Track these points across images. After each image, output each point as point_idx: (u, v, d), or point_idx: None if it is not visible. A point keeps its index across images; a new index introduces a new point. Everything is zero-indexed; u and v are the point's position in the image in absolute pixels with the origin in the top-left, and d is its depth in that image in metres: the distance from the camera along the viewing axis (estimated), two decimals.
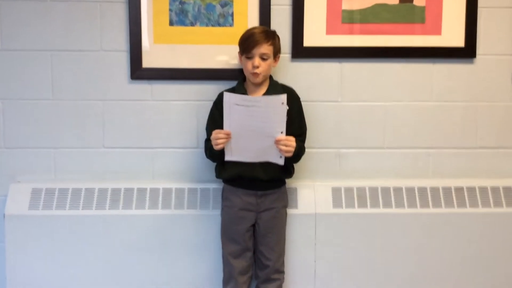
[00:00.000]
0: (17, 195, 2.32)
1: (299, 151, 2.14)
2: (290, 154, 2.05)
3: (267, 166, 2.12)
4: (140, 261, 2.33)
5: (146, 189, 2.35)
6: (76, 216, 2.30)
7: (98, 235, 2.31)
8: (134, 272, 2.33)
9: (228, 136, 2.03)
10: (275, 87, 2.20)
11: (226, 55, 2.35)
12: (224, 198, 2.24)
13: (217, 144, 2.04)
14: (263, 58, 2.10)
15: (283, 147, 2.02)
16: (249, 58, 2.11)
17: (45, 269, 2.31)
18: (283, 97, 1.99)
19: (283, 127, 2.01)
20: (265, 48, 2.10)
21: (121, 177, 2.39)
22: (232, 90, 2.20)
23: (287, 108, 2.02)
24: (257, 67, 2.09)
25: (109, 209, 2.31)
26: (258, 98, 2.04)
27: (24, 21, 2.33)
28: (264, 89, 2.19)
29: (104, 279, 2.33)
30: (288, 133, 2.04)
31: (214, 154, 2.13)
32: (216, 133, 2.05)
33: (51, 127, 2.38)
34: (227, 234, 2.21)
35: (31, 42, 2.34)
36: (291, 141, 2.04)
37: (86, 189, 2.34)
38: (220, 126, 2.11)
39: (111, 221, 2.30)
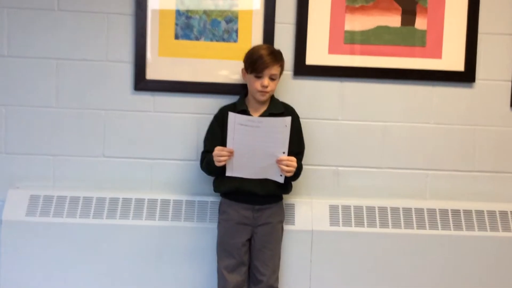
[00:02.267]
0: (15, 201, 2.33)
1: (298, 170, 2.16)
2: (291, 174, 2.09)
3: (264, 181, 2.14)
4: (135, 271, 2.32)
5: (144, 199, 2.36)
6: (73, 224, 2.30)
7: (95, 244, 2.30)
8: (129, 282, 2.32)
9: (231, 154, 2.06)
10: (276, 105, 2.24)
11: (229, 70, 2.38)
12: (221, 211, 2.24)
13: (219, 161, 2.06)
14: (272, 78, 2.15)
15: (285, 167, 2.06)
16: (259, 77, 2.15)
17: (40, 275, 2.30)
18: (288, 119, 2.03)
19: (285, 147, 2.05)
20: (275, 70, 2.16)
21: (119, 187, 2.40)
22: (233, 106, 2.24)
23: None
24: (267, 86, 2.14)
25: (106, 218, 2.31)
26: (262, 119, 2.08)
27: (31, 29, 2.37)
28: (265, 106, 2.23)
29: None
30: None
31: (212, 168, 2.14)
32: (219, 150, 2.07)
33: (52, 135, 2.40)
34: (223, 247, 2.21)
35: (37, 49, 2.37)
36: (293, 161, 2.08)
37: (84, 197, 2.34)
38: (219, 140, 2.14)
39: (108, 231, 2.30)
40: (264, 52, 2.15)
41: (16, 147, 2.39)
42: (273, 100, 2.25)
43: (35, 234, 2.29)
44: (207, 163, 2.18)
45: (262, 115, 2.19)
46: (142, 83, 2.37)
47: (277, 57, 2.17)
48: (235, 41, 2.38)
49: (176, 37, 2.38)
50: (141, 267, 2.32)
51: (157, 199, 2.36)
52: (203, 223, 2.33)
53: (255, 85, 2.15)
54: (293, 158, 2.09)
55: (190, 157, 2.41)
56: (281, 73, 2.22)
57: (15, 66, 2.37)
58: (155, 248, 2.32)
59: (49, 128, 2.39)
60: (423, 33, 2.41)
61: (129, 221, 2.32)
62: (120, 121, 2.40)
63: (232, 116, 2.03)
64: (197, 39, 2.38)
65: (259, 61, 2.13)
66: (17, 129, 2.39)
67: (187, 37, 2.38)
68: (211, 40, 2.38)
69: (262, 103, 2.22)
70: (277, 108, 2.23)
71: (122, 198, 2.35)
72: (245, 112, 2.18)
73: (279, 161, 2.06)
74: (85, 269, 2.31)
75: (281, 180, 2.11)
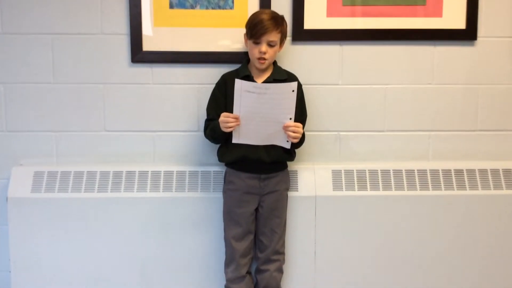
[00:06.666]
0: (19, 178, 2.34)
1: (302, 137, 2.16)
2: (297, 140, 2.09)
3: (270, 148, 2.14)
4: (141, 243, 2.35)
5: (147, 172, 2.36)
6: (78, 199, 2.32)
7: (100, 217, 2.32)
8: (135, 254, 2.35)
9: (237, 120, 2.04)
10: (279, 72, 2.22)
11: (226, 38, 2.34)
12: (228, 181, 2.25)
13: (226, 127, 2.05)
14: (270, 45, 2.12)
15: (291, 133, 2.05)
16: (257, 43, 2.11)
17: (48, 251, 2.34)
18: (294, 84, 2.01)
19: (292, 113, 2.04)
20: (274, 36, 2.11)
21: (122, 160, 2.41)
22: (235, 72, 2.22)
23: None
24: (264, 53, 2.10)
25: (111, 192, 2.33)
26: (269, 85, 2.05)
27: (24, 5, 2.33)
28: (268, 73, 2.20)
29: (106, 261, 2.35)
30: None
31: (216, 135, 2.14)
32: (225, 116, 2.06)
33: (52, 111, 2.39)
34: (231, 217, 2.22)
35: (31, 25, 2.34)
36: (299, 127, 2.08)
37: (88, 172, 2.35)
38: (222, 107, 2.14)
39: (113, 204, 2.32)
40: (264, 16, 2.11)
41: (17, 124, 2.39)
42: (275, 67, 2.23)
43: (41, 210, 2.31)
44: (211, 129, 2.17)
45: (266, 81, 2.17)
46: (139, 55, 2.35)
47: (278, 22, 2.12)
48: (231, 7, 2.34)
49: (171, 6, 2.33)
50: (147, 238, 2.35)
51: (161, 171, 2.37)
52: (207, 193, 2.34)
53: (254, 51, 2.12)
54: (300, 124, 2.08)
55: (191, 128, 2.41)
56: (282, 40, 2.18)
57: (10, 43, 2.35)
58: (161, 219, 2.34)
59: (49, 104, 2.39)
60: None
61: (133, 193, 2.33)
62: (119, 94, 2.39)
63: (238, 83, 2.01)
64: (192, 7, 2.33)
65: (258, 26, 2.09)
66: (17, 107, 2.39)
67: (182, 5, 2.33)
68: (207, 8, 2.33)
69: (264, 69, 2.19)
70: (280, 74, 2.21)
71: (126, 171, 2.36)
72: (249, 77, 2.16)
73: (285, 127, 2.05)
74: (91, 242, 2.34)
75: (288, 146, 2.11)
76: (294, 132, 2.06)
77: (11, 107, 2.39)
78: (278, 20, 2.13)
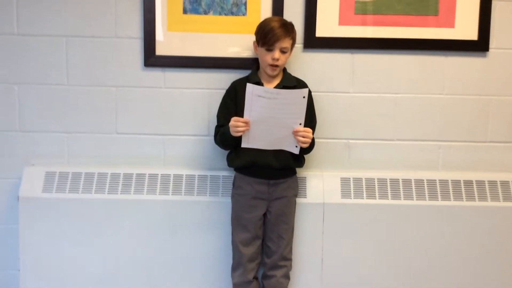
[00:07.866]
0: (31, 178, 2.36)
1: (312, 143, 2.17)
2: (306, 145, 2.10)
3: (279, 154, 2.15)
4: (149, 246, 2.36)
5: (157, 175, 2.38)
6: (88, 199, 2.33)
7: (110, 218, 2.34)
8: (143, 256, 2.36)
9: (247, 124, 2.06)
10: (288, 78, 2.23)
11: (238, 44, 2.36)
12: (236, 186, 2.25)
13: (236, 132, 2.06)
14: (283, 51, 2.13)
15: (301, 138, 2.06)
16: (270, 50, 2.13)
17: (57, 250, 2.36)
18: (305, 91, 2.03)
19: (302, 119, 2.05)
20: (286, 42, 2.13)
21: (133, 163, 2.42)
22: (245, 79, 2.23)
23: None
24: (277, 59, 2.12)
25: (121, 193, 2.35)
26: (280, 91, 2.06)
27: (40, 7, 2.36)
28: (278, 79, 2.22)
29: (114, 262, 2.37)
30: None
31: (226, 140, 2.15)
32: (235, 121, 2.07)
33: (65, 112, 2.41)
34: (239, 222, 2.23)
35: (46, 27, 2.37)
36: (309, 132, 2.08)
37: (98, 173, 2.37)
38: (232, 114, 2.15)
39: (123, 206, 2.34)
40: (275, 24, 2.12)
41: (30, 125, 2.42)
42: (285, 73, 2.24)
43: (51, 210, 2.33)
44: (221, 134, 2.18)
45: (276, 88, 2.18)
46: (152, 59, 2.37)
47: (289, 29, 2.14)
48: (244, 14, 2.35)
49: (185, 11, 2.35)
50: (155, 241, 2.36)
51: (170, 174, 2.38)
52: (215, 197, 2.35)
53: (266, 58, 2.14)
54: (309, 130, 2.09)
55: (201, 132, 2.42)
56: (292, 46, 2.20)
57: (25, 44, 2.38)
58: (169, 222, 2.35)
59: (61, 105, 2.41)
60: (435, 1, 2.35)
61: (143, 196, 2.35)
62: (131, 98, 2.41)
63: (250, 87, 2.02)
64: (205, 13, 2.35)
65: (270, 33, 2.11)
66: (30, 107, 2.41)
67: (195, 11, 2.35)
68: (220, 14, 2.35)
69: (274, 76, 2.20)
70: (290, 81, 2.22)
71: (136, 174, 2.38)
72: (259, 84, 2.16)
73: (295, 132, 2.06)
74: (100, 243, 2.35)
75: (296, 151, 2.11)
76: (303, 137, 2.07)
77: (24, 108, 2.41)
78: (288, 27, 2.15)
